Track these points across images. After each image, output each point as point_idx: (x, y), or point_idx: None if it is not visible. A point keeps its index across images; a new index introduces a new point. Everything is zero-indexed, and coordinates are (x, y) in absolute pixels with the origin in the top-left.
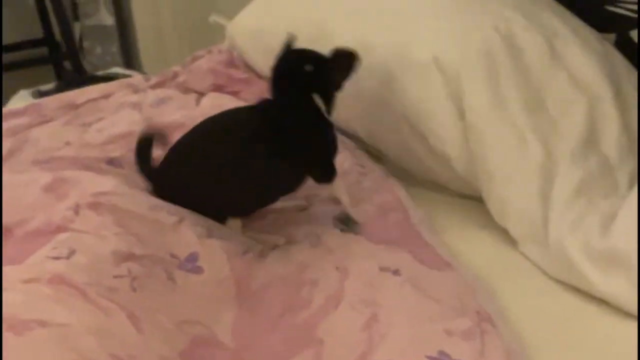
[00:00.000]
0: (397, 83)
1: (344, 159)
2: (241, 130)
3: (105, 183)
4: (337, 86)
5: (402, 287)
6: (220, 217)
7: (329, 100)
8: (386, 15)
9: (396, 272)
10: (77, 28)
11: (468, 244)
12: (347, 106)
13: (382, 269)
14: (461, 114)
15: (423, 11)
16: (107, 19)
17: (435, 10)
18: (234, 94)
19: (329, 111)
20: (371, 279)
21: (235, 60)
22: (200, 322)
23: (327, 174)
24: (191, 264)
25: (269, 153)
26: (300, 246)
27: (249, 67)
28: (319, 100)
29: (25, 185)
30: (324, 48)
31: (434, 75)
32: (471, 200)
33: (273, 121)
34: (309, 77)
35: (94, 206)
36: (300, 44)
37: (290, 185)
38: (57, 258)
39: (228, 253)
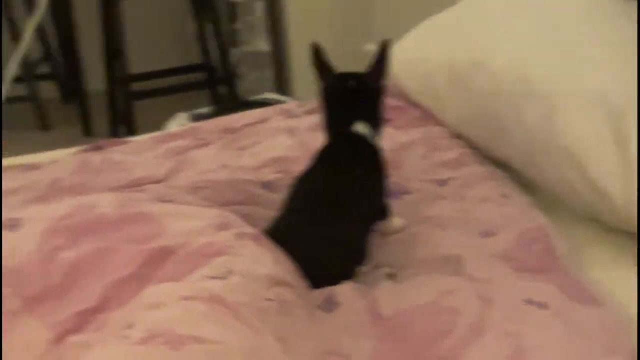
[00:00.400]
0: (559, 115)
1: (486, 188)
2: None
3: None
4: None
5: (550, 321)
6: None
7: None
8: (548, 47)
9: (543, 305)
10: (234, 54)
11: (620, 285)
12: (505, 136)
13: (528, 301)
14: (624, 148)
15: (587, 42)
16: (264, 46)
17: (600, 42)
18: (386, 121)
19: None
20: (516, 310)
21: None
22: (342, 353)
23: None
24: (329, 303)
25: None
26: (440, 274)
27: (402, 95)
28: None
29: (190, 215)
30: (483, 78)
31: (598, 109)
32: (626, 236)
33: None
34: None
35: (255, 238)
36: (458, 72)
37: None
38: (215, 278)
39: (357, 286)
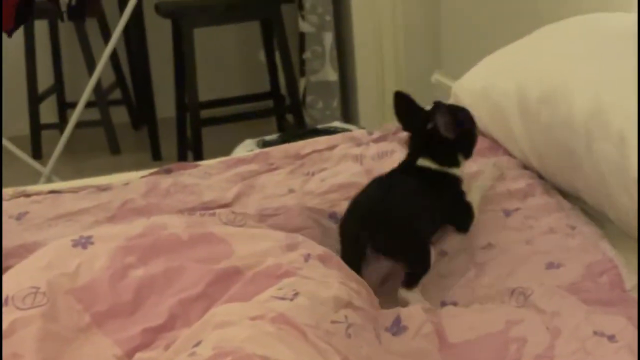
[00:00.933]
0: (630, 148)
1: (553, 220)
2: None
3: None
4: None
5: (619, 353)
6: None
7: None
8: (620, 79)
9: (612, 338)
10: (302, 83)
11: None
12: (575, 167)
13: (596, 333)
14: None
15: None
16: (332, 75)
17: None
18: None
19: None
20: (584, 341)
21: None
22: None
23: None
24: (396, 326)
25: None
26: (506, 305)
27: None
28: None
29: (258, 236)
30: (556, 107)
31: None
32: None
33: None
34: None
35: (324, 258)
36: (528, 103)
37: None
38: (282, 299)
39: (425, 309)
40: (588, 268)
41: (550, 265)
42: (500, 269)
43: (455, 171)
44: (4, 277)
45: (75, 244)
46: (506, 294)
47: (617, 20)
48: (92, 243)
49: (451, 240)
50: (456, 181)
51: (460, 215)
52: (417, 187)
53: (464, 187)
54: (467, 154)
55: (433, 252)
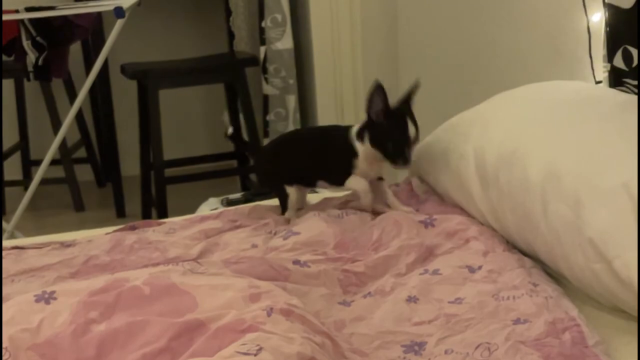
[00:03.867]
0: (585, 209)
1: (516, 276)
2: None
3: (294, 299)
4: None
5: None
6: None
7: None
8: (575, 141)
9: None
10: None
11: None
12: (532, 228)
13: None
14: None
15: (610, 140)
16: None
17: (622, 138)
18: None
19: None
20: None
21: (413, 186)
22: None
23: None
24: None
25: None
26: (469, 359)
27: (429, 191)
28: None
29: (221, 287)
30: (513, 170)
31: (623, 201)
32: None
33: None
34: None
35: (286, 312)
36: (488, 165)
37: None
38: (245, 354)
39: None
40: (552, 325)
41: (517, 321)
42: (465, 322)
43: (357, 145)
44: None
45: (38, 299)
46: (472, 347)
47: (572, 87)
48: (54, 298)
49: (422, 289)
50: (350, 151)
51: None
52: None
53: (358, 163)
54: (371, 140)
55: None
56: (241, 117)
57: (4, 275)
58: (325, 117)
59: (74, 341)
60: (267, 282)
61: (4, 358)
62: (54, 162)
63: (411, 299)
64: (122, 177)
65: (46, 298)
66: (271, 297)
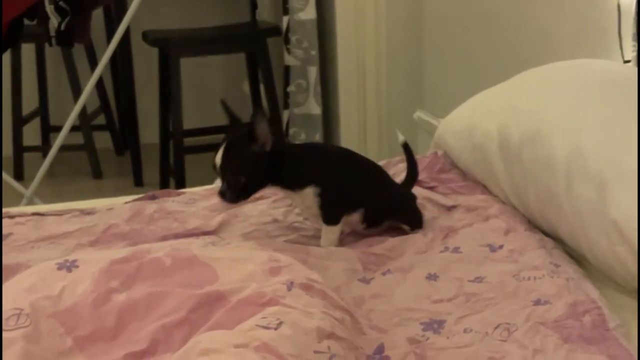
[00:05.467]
0: (609, 191)
1: (537, 257)
2: None
3: (314, 273)
4: None
5: None
6: None
7: None
8: (601, 122)
9: None
10: (285, 115)
11: None
12: (555, 208)
13: None
14: None
15: (637, 121)
16: (315, 108)
17: None
18: (431, 188)
19: None
20: None
21: (439, 159)
22: None
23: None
24: (379, 355)
25: None
26: (489, 338)
27: (453, 165)
28: None
29: (242, 260)
30: (537, 149)
31: None
32: None
33: None
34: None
35: (306, 287)
36: (512, 144)
37: None
38: (266, 327)
39: (409, 339)
40: (572, 307)
41: (536, 302)
42: (486, 301)
43: None
44: None
45: (60, 267)
46: (491, 326)
47: (600, 67)
48: (76, 267)
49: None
50: None
51: None
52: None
53: None
54: None
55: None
56: (262, 88)
57: (24, 242)
58: (346, 90)
59: (94, 310)
60: (288, 256)
61: (24, 324)
62: (73, 129)
63: (431, 277)
64: (140, 145)
65: (68, 266)
66: (291, 271)
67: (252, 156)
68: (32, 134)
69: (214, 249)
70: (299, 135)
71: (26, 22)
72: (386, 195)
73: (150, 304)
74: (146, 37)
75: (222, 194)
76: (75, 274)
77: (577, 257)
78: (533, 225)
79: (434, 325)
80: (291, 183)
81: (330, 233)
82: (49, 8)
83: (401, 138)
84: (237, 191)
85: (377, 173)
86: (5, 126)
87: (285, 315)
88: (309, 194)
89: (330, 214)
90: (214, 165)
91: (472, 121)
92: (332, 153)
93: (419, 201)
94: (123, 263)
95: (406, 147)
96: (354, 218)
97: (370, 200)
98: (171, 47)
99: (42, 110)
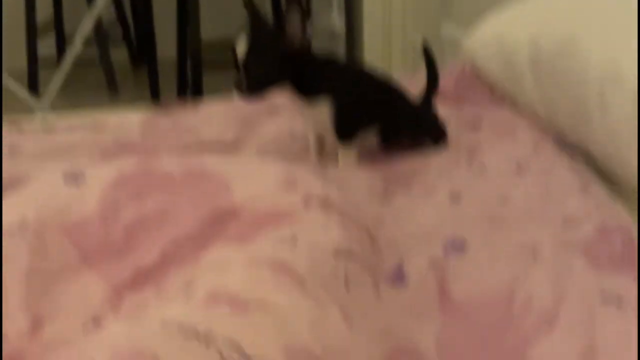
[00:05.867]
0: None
1: (566, 176)
2: None
3: (332, 189)
4: None
5: (624, 319)
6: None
7: None
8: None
9: (619, 301)
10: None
11: None
12: (587, 121)
13: (603, 296)
14: None
15: None
16: (338, 22)
17: None
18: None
19: None
20: (591, 307)
21: (465, 71)
22: (403, 333)
23: None
24: (397, 276)
25: None
26: (512, 260)
27: (479, 76)
28: None
29: (257, 173)
30: (569, 60)
31: None
32: None
33: None
34: None
35: (323, 202)
36: (542, 53)
37: None
38: (279, 244)
39: (429, 259)
40: (601, 228)
41: (564, 223)
42: (513, 221)
43: None
44: None
45: (67, 179)
46: (515, 248)
47: None
48: (84, 179)
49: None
50: None
51: None
52: None
53: None
54: None
55: None
56: None
57: (31, 155)
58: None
59: (102, 223)
60: (306, 169)
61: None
62: (88, 42)
63: (454, 197)
64: (157, 59)
65: (75, 178)
66: (309, 186)
67: (276, 49)
68: (46, 46)
69: (228, 161)
70: (322, 50)
71: None
72: (402, 109)
73: (161, 217)
74: None
75: (238, 82)
76: (82, 187)
77: (608, 175)
78: (563, 144)
79: (456, 246)
80: (306, 90)
81: (347, 152)
82: None
83: (423, 41)
84: (254, 83)
85: (392, 89)
86: (19, 37)
87: (300, 232)
88: (322, 107)
89: (343, 130)
90: (235, 55)
91: (502, 30)
92: (347, 68)
93: (443, 116)
94: (132, 176)
95: (426, 52)
96: (371, 134)
97: (384, 115)
98: None
99: (57, 21)
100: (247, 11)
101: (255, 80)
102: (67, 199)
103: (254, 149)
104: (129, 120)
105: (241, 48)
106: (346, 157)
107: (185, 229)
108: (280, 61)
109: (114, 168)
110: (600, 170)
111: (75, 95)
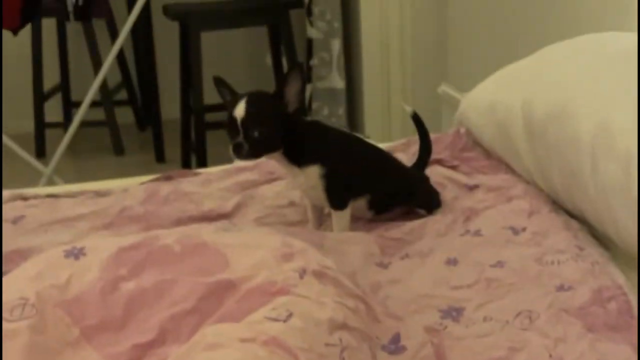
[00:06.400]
0: (636, 169)
1: (561, 239)
2: None
3: (328, 260)
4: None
5: None
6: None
7: None
8: (628, 98)
9: None
10: (308, 89)
11: None
12: (580, 186)
13: None
14: None
15: None
16: (338, 82)
17: None
18: (453, 167)
19: None
20: None
21: (461, 136)
22: None
23: None
24: (394, 345)
25: None
26: (510, 326)
27: (475, 142)
28: None
29: (254, 246)
30: (562, 125)
31: None
32: None
33: None
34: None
35: (319, 274)
36: (536, 120)
37: None
38: (275, 320)
39: (426, 327)
40: (597, 293)
41: (560, 288)
42: (509, 287)
43: None
44: None
45: (68, 254)
46: (512, 314)
47: (626, 40)
48: (84, 254)
49: (462, 251)
50: None
51: None
52: None
53: None
54: None
55: None
56: (284, 60)
57: (37, 224)
58: (370, 63)
59: (102, 299)
60: (302, 241)
61: (30, 314)
62: (94, 104)
63: (451, 261)
64: (162, 121)
65: (76, 253)
66: (304, 257)
67: (275, 112)
68: (53, 110)
69: (225, 234)
70: (322, 110)
71: None
72: (393, 181)
73: (159, 292)
74: (167, 10)
75: (239, 146)
76: (82, 262)
77: (602, 239)
78: (558, 205)
79: (453, 313)
80: (297, 157)
81: (340, 218)
82: None
83: (408, 109)
84: (255, 146)
85: (383, 159)
86: (27, 102)
87: (295, 306)
88: (314, 173)
89: (336, 198)
90: (233, 119)
91: (495, 97)
92: (339, 136)
93: (439, 181)
94: (132, 250)
95: (416, 119)
96: (360, 204)
97: (375, 186)
98: (191, 21)
99: (64, 86)
100: (217, 88)
101: (255, 144)
102: (67, 275)
103: (252, 216)
104: (131, 188)
105: (240, 112)
106: (340, 222)
107: (183, 304)
108: (280, 125)
109: (113, 242)
110: (595, 232)
111: (81, 158)
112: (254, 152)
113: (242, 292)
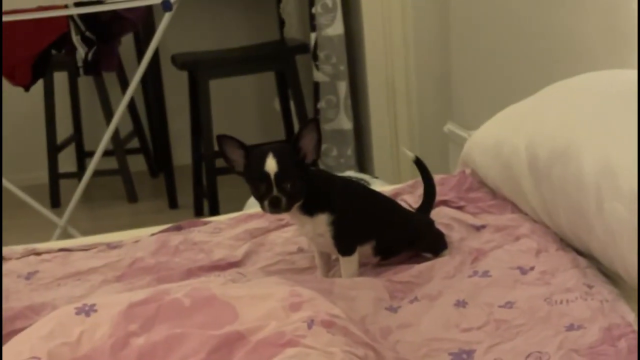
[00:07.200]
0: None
1: (570, 277)
2: None
3: (336, 308)
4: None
5: None
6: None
7: None
8: (631, 136)
9: None
10: None
11: None
12: (586, 226)
13: None
14: None
15: None
16: (346, 124)
17: None
18: (459, 208)
19: None
20: None
21: (467, 177)
22: None
23: None
24: None
25: None
26: None
27: (481, 182)
28: None
29: (262, 296)
30: (567, 166)
31: None
32: None
33: None
34: None
35: (328, 324)
36: (540, 160)
37: None
38: None
39: None
40: (607, 331)
41: (570, 327)
42: (519, 327)
43: None
44: (5, 347)
45: (79, 311)
46: (522, 356)
47: (629, 77)
48: (95, 311)
49: (471, 293)
50: None
51: None
52: None
53: None
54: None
55: None
56: (292, 104)
57: (50, 279)
58: (377, 103)
59: (112, 355)
60: (310, 290)
61: None
62: (107, 153)
63: (460, 304)
64: (174, 167)
65: (86, 311)
66: (313, 306)
67: (300, 164)
68: (67, 161)
69: (233, 286)
70: (331, 152)
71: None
72: (398, 227)
73: (170, 346)
74: (175, 60)
75: (277, 200)
76: (93, 319)
77: (611, 276)
78: (565, 243)
79: (463, 356)
80: (309, 206)
81: (348, 264)
82: (76, 39)
83: (410, 155)
84: (289, 198)
85: (388, 205)
86: (41, 153)
87: (304, 358)
88: (322, 220)
89: (344, 244)
90: (264, 174)
91: (500, 138)
92: (345, 183)
93: (446, 222)
94: (142, 305)
95: (419, 164)
96: (366, 250)
97: (380, 232)
98: (199, 70)
99: (77, 137)
100: (219, 147)
101: (289, 196)
102: (78, 332)
103: (262, 264)
104: (142, 239)
105: (272, 167)
106: (348, 268)
107: (194, 356)
108: (304, 176)
109: (124, 298)
110: (603, 269)
111: (96, 205)
112: (289, 204)
113: (252, 344)
